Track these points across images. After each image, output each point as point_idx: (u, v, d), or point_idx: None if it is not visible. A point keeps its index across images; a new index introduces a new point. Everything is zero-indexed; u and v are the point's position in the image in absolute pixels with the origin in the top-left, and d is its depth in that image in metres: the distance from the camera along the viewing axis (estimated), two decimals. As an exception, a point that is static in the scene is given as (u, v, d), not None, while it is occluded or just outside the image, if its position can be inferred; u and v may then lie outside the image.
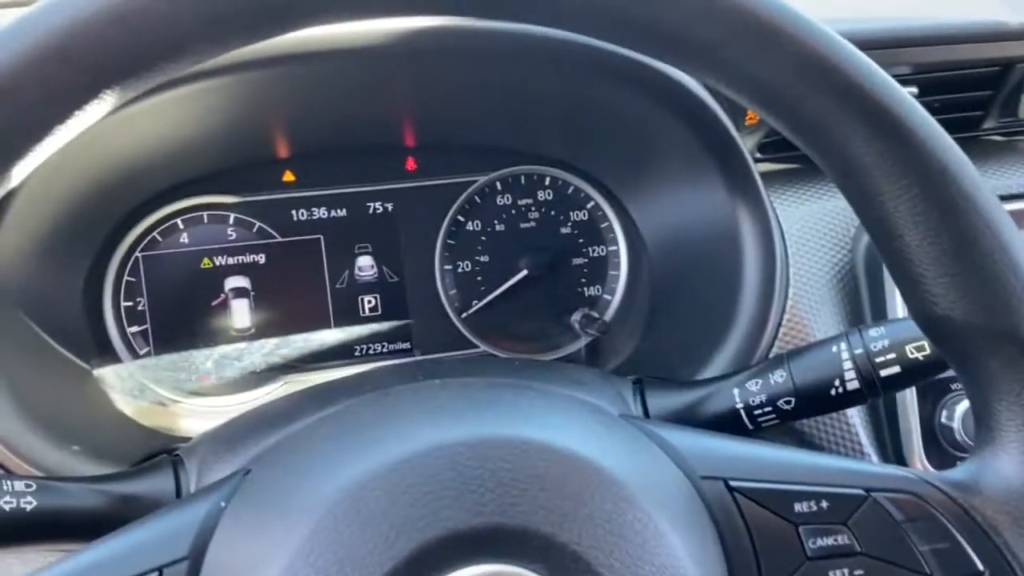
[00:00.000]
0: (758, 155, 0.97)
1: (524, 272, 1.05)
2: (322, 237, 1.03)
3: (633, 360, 0.98)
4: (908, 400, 0.85)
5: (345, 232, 1.03)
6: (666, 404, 0.76)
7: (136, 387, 0.96)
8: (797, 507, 0.52)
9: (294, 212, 1.02)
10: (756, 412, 0.73)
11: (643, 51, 0.51)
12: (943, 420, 0.86)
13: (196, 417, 0.97)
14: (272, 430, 0.68)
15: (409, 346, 1.05)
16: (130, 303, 0.97)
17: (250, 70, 0.79)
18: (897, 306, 0.86)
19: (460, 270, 1.06)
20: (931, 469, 0.84)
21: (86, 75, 0.42)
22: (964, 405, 0.86)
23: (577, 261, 1.08)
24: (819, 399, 0.71)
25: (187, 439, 0.85)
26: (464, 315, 1.06)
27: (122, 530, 0.50)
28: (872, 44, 0.82)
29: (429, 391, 0.55)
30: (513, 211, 1.07)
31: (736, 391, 0.73)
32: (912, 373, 0.68)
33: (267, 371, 1.01)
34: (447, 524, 0.43)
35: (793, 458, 0.55)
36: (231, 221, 1.00)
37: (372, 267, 1.04)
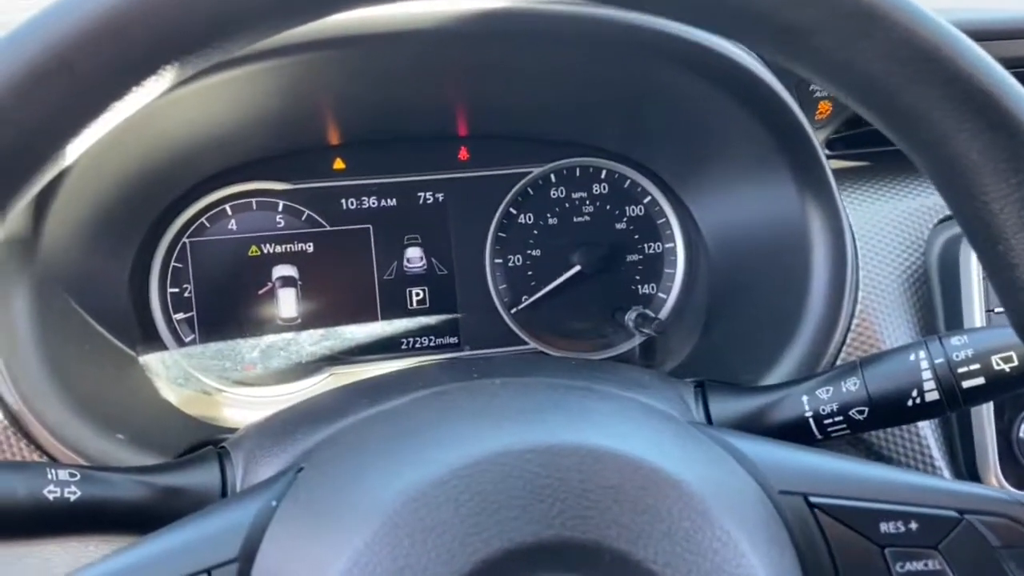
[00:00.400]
0: (826, 151, 0.93)
1: (577, 268, 1.02)
2: (371, 227, 1.01)
3: (690, 362, 0.94)
4: (983, 413, 0.81)
5: (394, 222, 1.01)
6: (730, 410, 0.72)
7: (181, 375, 0.94)
8: (883, 527, 0.48)
9: (343, 201, 1.00)
10: (826, 421, 0.69)
11: (728, 35, 0.48)
12: (1021, 435, 0.81)
13: (240, 407, 0.95)
14: (321, 425, 0.66)
15: (457, 341, 1.02)
16: (176, 290, 0.96)
17: (303, 52, 0.76)
18: (975, 314, 0.81)
19: (511, 264, 1.03)
20: (1008, 486, 0.80)
21: (145, 50, 0.40)
22: (1043, 419, 0.81)
23: (631, 258, 1.04)
24: (895, 410, 0.67)
25: (231, 429, 0.83)
26: (514, 310, 1.03)
27: (170, 528, 0.48)
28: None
29: (489, 391, 0.52)
30: (567, 204, 1.04)
31: (805, 398, 0.69)
32: (996, 385, 0.64)
33: (312, 362, 0.99)
34: (514, 536, 0.41)
35: (878, 474, 0.51)
36: (280, 208, 0.98)
37: (421, 259, 1.02)
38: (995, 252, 0.47)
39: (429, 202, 1.02)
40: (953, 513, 0.48)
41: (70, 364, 0.75)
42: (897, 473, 0.52)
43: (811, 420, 0.69)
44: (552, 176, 1.04)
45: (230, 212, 0.97)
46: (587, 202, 1.04)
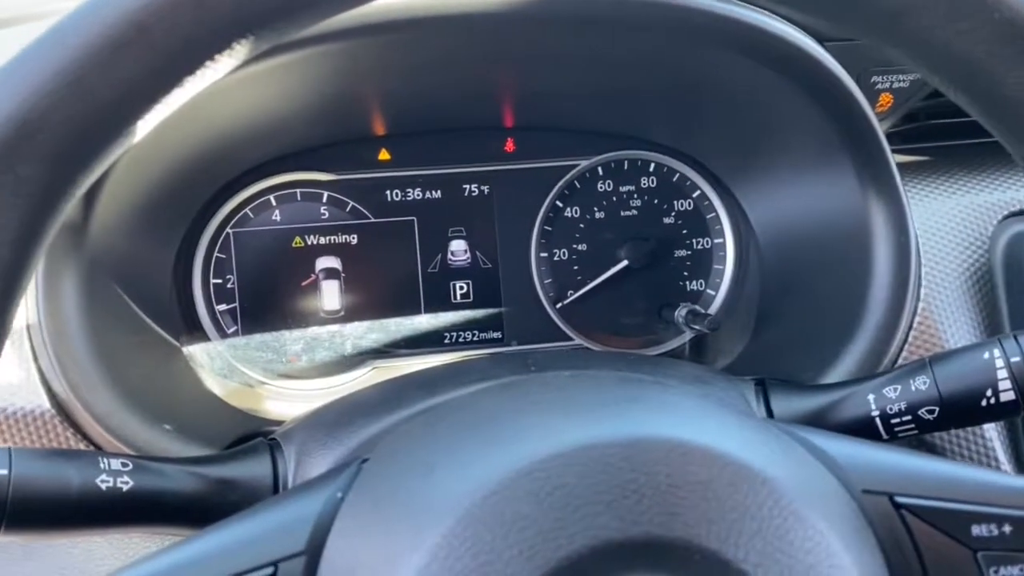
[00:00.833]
0: (886, 145, 0.91)
1: (624, 263, 1.00)
2: (415, 219, 0.99)
3: (743, 360, 0.92)
4: (1051, 413, 0.78)
5: (439, 214, 0.99)
6: (792, 408, 0.70)
7: (225, 367, 0.93)
8: (975, 530, 0.46)
9: (388, 192, 0.99)
10: (893, 421, 0.67)
11: (820, 17, 0.46)
12: (1091, 437, 0.79)
13: (283, 400, 0.94)
14: (376, 417, 0.65)
15: (501, 335, 1.01)
16: (219, 280, 0.95)
17: (350, 38, 0.75)
18: (1044, 312, 0.79)
19: (556, 258, 1.01)
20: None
21: (224, 20, 0.39)
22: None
23: (679, 253, 1.02)
24: (967, 409, 0.65)
25: (275, 422, 0.82)
26: (559, 305, 1.01)
27: (232, 520, 0.47)
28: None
29: (561, 383, 0.50)
30: (614, 198, 1.02)
31: (872, 397, 0.67)
32: (1077, 385, 0.62)
33: (355, 355, 0.97)
34: (600, 533, 0.39)
35: (966, 474, 0.49)
36: (324, 199, 0.97)
37: (465, 252, 1.00)
38: None
39: (474, 194, 1.00)
40: (1049, 516, 0.46)
41: (117, 353, 0.74)
42: (987, 474, 0.49)
43: (878, 419, 0.67)
44: (599, 169, 1.02)
45: (274, 203, 0.96)
46: (635, 196, 1.02)
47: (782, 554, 0.40)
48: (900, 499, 0.47)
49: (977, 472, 0.49)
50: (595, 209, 1.01)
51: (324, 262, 0.97)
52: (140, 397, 0.73)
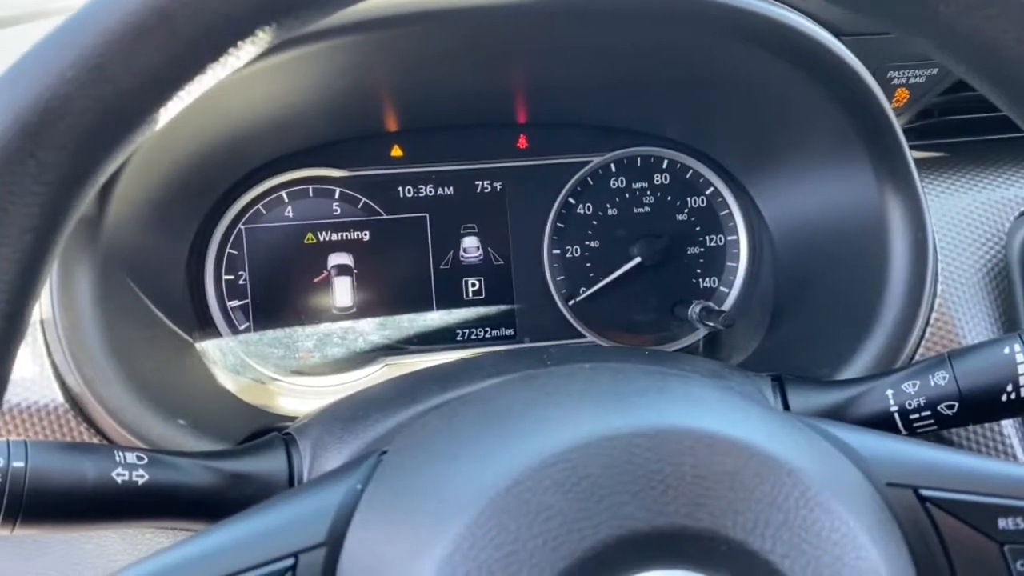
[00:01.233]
0: (901, 141, 0.90)
1: (637, 260, 1.00)
2: (428, 215, 0.99)
3: (757, 357, 0.91)
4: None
5: (451, 211, 0.99)
6: (810, 403, 0.70)
7: (238, 363, 0.93)
8: (1001, 523, 0.46)
9: (400, 189, 0.98)
10: (912, 416, 0.66)
11: (839, 3, 0.45)
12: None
13: (295, 396, 0.94)
14: (392, 412, 0.65)
15: (513, 332, 1.00)
16: (231, 276, 0.95)
17: (364, 31, 0.74)
18: (1062, 308, 0.78)
19: (569, 255, 1.01)
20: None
21: (247, 8, 0.38)
22: None
23: (692, 250, 1.02)
24: (987, 405, 0.65)
25: (288, 417, 0.82)
26: (572, 302, 1.01)
27: (252, 511, 0.46)
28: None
29: (583, 375, 0.49)
30: (627, 195, 1.01)
31: (890, 392, 0.67)
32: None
33: (367, 352, 0.97)
34: (626, 523, 0.38)
35: (992, 467, 0.48)
36: (336, 196, 0.97)
37: (478, 248, 1.00)
38: None
39: (487, 191, 1.00)
40: (1076, 509, 0.46)
41: (131, 348, 0.74)
42: (1013, 467, 0.49)
43: (896, 415, 0.67)
44: (612, 165, 1.01)
45: (286, 199, 0.96)
46: (648, 192, 1.02)
47: (809, 545, 0.40)
48: (925, 492, 0.47)
49: (1003, 465, 0.49)
50: (608, 206, 1.01)
51: (336, 258, 0.97)
52: (154, 392, 0.73)
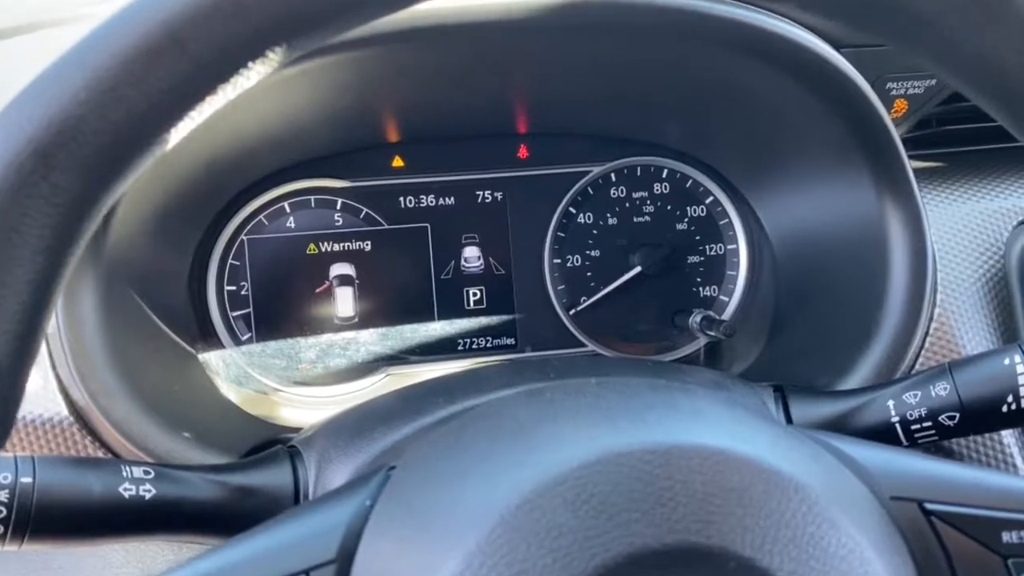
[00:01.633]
0: (899, 151, 0.91)
1: (637, 269, 1.00)
2: (429, 226, 0.99)
3: (758, 366, 0.92)
4: (1069, 419, 0.78)
5: (452, 221, 1.00)
6: (812, 414, 0.70)
7: (241, 374, 0.93)
8: (1005, 537, 0.46)
9: (402, 199, 0.99)
10: (913, 427, 0.67)
11: (849, 23, 0.46)
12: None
13: (297, 407, 0.94)
14: (398, 424, 0.65)
15: (514, 341, 1.01)
16: (233, 287, 0.95)
17: (368, 47, 0.75)
18: (1060, 318, 0.79)
19: (570, 264, 1.01)
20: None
21: (259, 30, 0.39)
22: None
23: (692, 259, 1.02)
24: (988, 416, 0.65)
25: (290, 429, 0.82)
26: (572, 312, 1.01)
27: (260, 529, 0.47)
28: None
29: (588, 390, 0.50)
30: (627, 204, 1.02)
31: (891, 403, 0.67)
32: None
33: (369, 362, 0.97)
34: (636, 541, 0.39)
35: (995, 480, 0.49)
36: (338, 206, 0.97)
37: (479, 258, 1.00)
38: None
39: (487, 201, 1.00)
40: (1079, 523, 0.46)
41: (135, 361, 0.74)
42: (1015, 480, 0.49)
43: (898, 425, 0.67)
44: (612, 175, 1.02)
45: (288, 210, 0.96)
46: (648, 202, 1.02)
47: (817, 562, 0.40)
48: (929, 506, 0.47)
49: (1007, 478, 0.49)
50: (608, 215, 1.02)
51: (338, 269, 0.97)
52: (158, 404, 0.73)
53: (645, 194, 1.02)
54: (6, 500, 0.54)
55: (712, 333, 0.95)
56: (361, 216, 0.98)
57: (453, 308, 1.00)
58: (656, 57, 0.84)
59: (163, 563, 0.78)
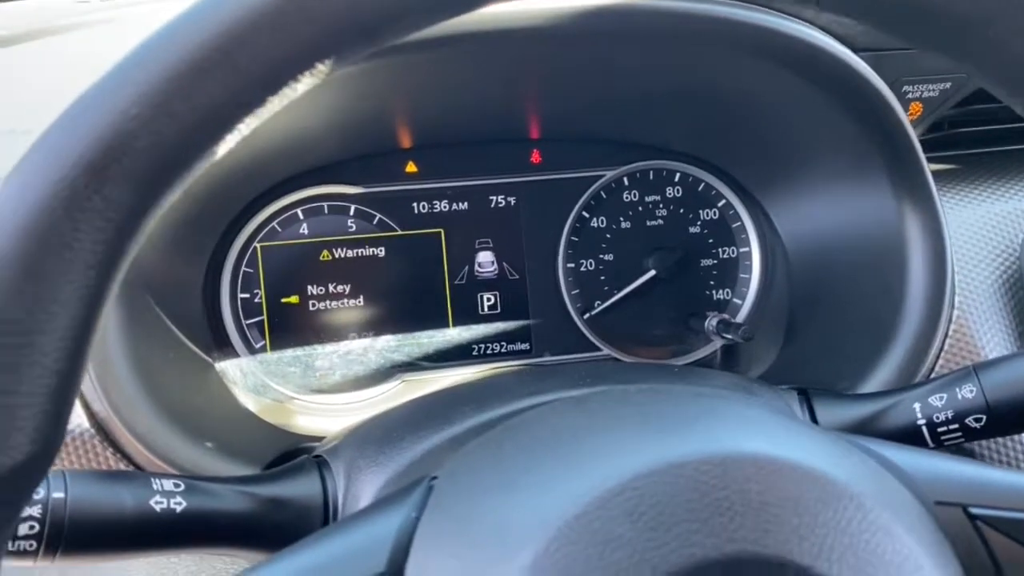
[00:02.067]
0: (914, 153, 0.91)
1: (651, 272, 1.00)
2: (443, 231, 0.99)
3: (776, 370, 0.92)
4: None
5: (466, 226, 0.99)
6: (838, 417, 0.70)
7: (258, 383, 0.92)
8: (1052, 541, 0.46)
9: (415, 205, 0.98)
10: (940, 429, 0.67)
11: (890, 31, 0.46)
12: None
13: (315, 414, 0.93)
14: (426, 433, 0.65)
15: (529, 347, 1.01)
16: (247, 295, 0.94)
17: (380, 56, 0.74)
18: (1080, 319, 0.79)
19: (583, 269, 1.01)
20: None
21: (308, 44, 0.39)
22: None
23: (706, 262, 1.02)
24: (1015, 417, 0.65)
25: (309, 437, 0.82)
26: (587, 316, 1.01)
27: (307, 542, 0.46)
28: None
29: (631, 398, 0.50)
30: (640, 208, 1.02)
31: (917, 406, 0.68)
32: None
33: (384, 369, 0.97)
34: (696, 552, 0.39)
35: (1038, 485, 0.49)
36: (352, 212, 0.97)
37: (492, 263, 1.00)
38: None
39: (501, 206, 1.00)
40: (1125, 526, 0.46)
41: (157, 372, 0.73)
42: (1058, 484, 0.49)
43: (924, 428, 0.67)
44: (625, 179, 1.02)
45: (301, 216, 0.96)
46: (660, 206, 1.02)
47: (873, 568, 0.40)
48: (975, 510, 0.47)
49: (1049, 482, 0.49)
50: (621, 219, 1.02)
51: (352, 275, 0.97)
52: (179, 415, 0.73)
53: (658, 198, 1.02)
54: (39, 516, 0.53)
55: (730, 336, 0.95)
56: (374, 222, 0.97)
57: (467, 314, 0.99)
58: (669, 61, 0.84)
59: (185, 573, 0.77)
